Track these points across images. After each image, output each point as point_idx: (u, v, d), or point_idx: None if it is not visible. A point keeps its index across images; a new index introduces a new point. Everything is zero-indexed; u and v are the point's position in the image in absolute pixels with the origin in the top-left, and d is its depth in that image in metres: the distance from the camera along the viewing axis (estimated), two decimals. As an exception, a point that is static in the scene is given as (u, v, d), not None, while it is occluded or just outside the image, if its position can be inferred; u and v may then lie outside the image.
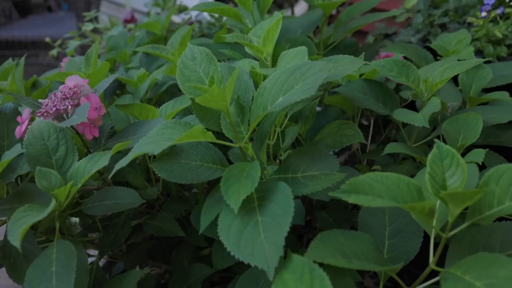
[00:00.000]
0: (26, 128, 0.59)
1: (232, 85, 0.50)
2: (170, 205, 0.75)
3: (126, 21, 1.54)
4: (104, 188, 0.62)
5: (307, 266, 0.45)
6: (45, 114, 0.58)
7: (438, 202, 0.50)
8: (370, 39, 1.16)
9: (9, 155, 0.53)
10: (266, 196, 0.51)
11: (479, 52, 0.93)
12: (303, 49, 0.59)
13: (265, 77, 0.61)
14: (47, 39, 1.28)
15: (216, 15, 1.47)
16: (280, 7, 1.65)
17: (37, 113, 0.58)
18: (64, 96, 0.59)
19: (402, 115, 0.63)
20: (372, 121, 0.86)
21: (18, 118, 0.60)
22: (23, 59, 0.87)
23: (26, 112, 0.60)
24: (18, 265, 0.56)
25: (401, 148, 0.64)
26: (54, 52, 1.28)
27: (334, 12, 1.57)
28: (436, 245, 0.51)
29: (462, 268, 0.46)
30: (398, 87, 0.85)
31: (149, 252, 0.84)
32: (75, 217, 0.82)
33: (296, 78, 0.53)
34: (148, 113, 0.67)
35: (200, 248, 0.80)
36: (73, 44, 1.23)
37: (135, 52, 1.07)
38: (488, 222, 0.47)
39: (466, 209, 0.47)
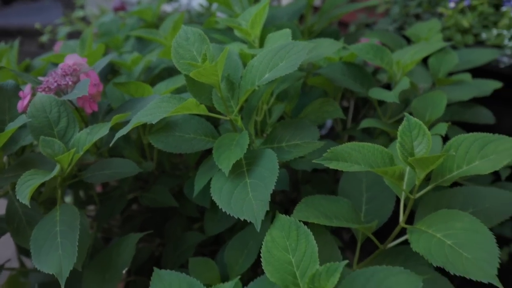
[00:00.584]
0: (28, 102, 0.63)
1: (223, 61, 0.55)
2: (164, 179, 0.80)
3: (116, 9, 1.57)
4: (102, 160, 0.66)
5: (293, 224, 0.51)
6: (46, 90, 0.63)
7: (408, 168, 0.56)
8: (352, 28, 1.22)
9: (12, 125, 0.57)
10: (254, 162, 0.57)
11: (449, 40, 1.00)
12: (287, 31, 0.64)
13: (253, 57, 0.66)
14: (37, 25, 1.30)
15: (206, 4, 1.51)
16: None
17: (38, 88, 0.63)
18: (64, 73, 0.63)
19: (376, 93, 0.70)
20: (352, 102, 0.92)
21: (20, 93, 0.64)
22: (17, 42, 0.91)
23: (27, 87, 0.64)
24: (21, 229, 0.60)
25: (376, 123, 0.70)
26: (44, 38, 1.31)
27: (319, 4, 1.62)
28: (406, 207, 0.57)
29: (426, 224, 0.52)
30: (376, 71, 0.91)
31: (143, 226, 0.89)
32: (71, 189, 0.86)
33: (281, 56, 0.58)
34: (143, 91, 0.72)
35: (192, 220, 0.85)
36: (64, 30, 1.26)
37: (126, 39, 1.11)
38: (448, 183, 0.53)
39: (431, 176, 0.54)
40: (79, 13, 1.29)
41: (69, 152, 0.54)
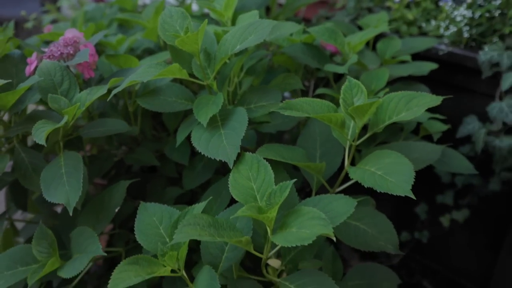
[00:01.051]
0: (35, 68, 0.73)
1: (202, 32, 0.67)
2: (146, 143, 0.91)
3: (97, 1, 1.66)
4: (97, 120, 0.77)
5: (255, 158, 0.64)
6: (51, 57, 0.73)
7: (349, 119, 0.69)
8: (314, 21, 1.37)
9: (23, 85, 0.68)
10: (227, 117, 0.69)
11: (396, 31, 1.16)
12: (255, 12, 0.78)
13: (226, 34, 0.78)
14: (23, 12, 1.39)
15: (180, -1, 1.63)
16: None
17: (44, 56, 0.73)
18: (66, 44, 0.74)
19: (330, 67, 0.84)
20: (312, 82, 1.06)
21: (28, 60, 0.74)
22: (12, 22, 1.00)
23: (34, 55, 0.74)
24: (28, 175, 0.70)
25: (328, 91, 0.84)
26: (29, 24, 1.39)
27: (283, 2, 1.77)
28: (350, 153, 0.71)
29: (363, 163, 0.66)
30: (332, 55, 1.06)
31: (128, 188, 0.99)
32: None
33: (250, 31, 0.71)
34: (131, 63, 0.83)
35: (171, 183, 0.97)
36: (48, 18, 1.35)
37: (109, 25, 1.21)
38: (381, 130, 0.67)
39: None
40: (64, 2, 1.38)
41: (74, 106, 0.65)
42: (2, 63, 0.75)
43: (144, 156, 0.87)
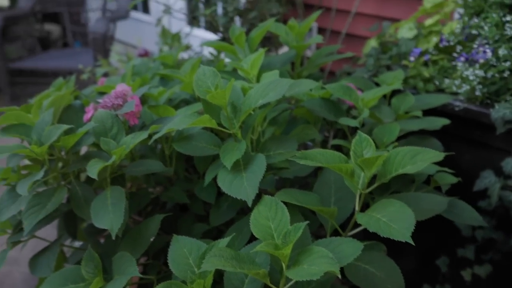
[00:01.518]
0: (91, 116, 0.87)
1: (229, 89, 0.79)
2: (179, 183, 1.02)
3: (141, 55, 1.86)
4: (138, 160, 0.89)
5: (274, 201, 0.73)
6: (104, 107, 0.87)
7: (359, 170, 0.78)
8: (337, 74, 1.48)
9: (82, 129, 0.81)
10: (249, 162, 0.80)
11: (414, 87, 1.25)
12: (276, 72, 0.90)
13: (250, 90, 0.90)
14: (80, 66, 1.58)
15: (215, 53, 1.80)
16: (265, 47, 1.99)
17: (99, 106, 0.87)
18: (116, 96, 0.88)
19: (344, 120, 0.93)
20: (331, 133, 1.16)
21: (86, 109, 0.88)
22: (73, 77, 1.17)
23: (91, 105, 0.88)
24: (80, 205, 0.83)
25: (343, 142, 0.93)
26: (85, 76, 1.58)
27: (310, 54, 1.91)
28: (360, 200, 0.79)
29: (371, 210, 0.74)
30: (349, 109, 1.15)
31: (161, 225, 1.10)
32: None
33: (270, 89, 0.82)
34: (169, 113, 0.96)
35: (199, 220, 1.07)
36: (101, 71, 1.54)
37: (152, 78, 1.37)
38: (387, 181, 0.75)
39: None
40: (114, 57, 1.57)
41: (121, 148, 0.77)
42: (66, 111, 0.90)
43: (177, 195, 0.98)
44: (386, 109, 1.10)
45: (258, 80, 0.96)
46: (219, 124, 0.85)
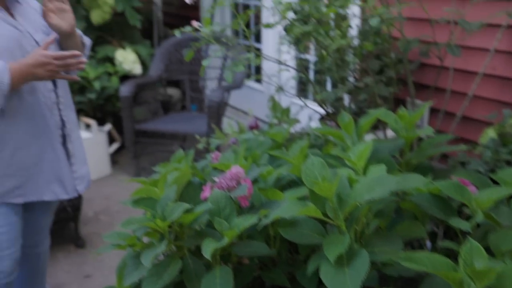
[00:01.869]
0: (208, 195, 0.96)
1: (336, 184, 0.82)
2: (281, 265, 1.06)
3: (252, 127, 1.99)
4: (246, 240, 0.95)
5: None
6: (219, 188, 0.96)
7: (470, 283, 0.74)
8: (450, 162, 1.43)
9: (200, 208, 0.90)
10: (352, 258, 0.81)
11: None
12: (383, 167, 0.91)
13: (357, 181, 0.92)
14: (197, 136, 1.75)
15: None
16: (374, 127, 1.99)
17: (216, 186, 0.96)
18: (231, 178, 0.97)
19: (455, 221, 0.90)
20: (441, 229, 1.11)
21: (204, 187, 0.98)
22: (192, 152, 1.30)
23: (208, 184, 0.98)
24: (191, 278, 0.90)
25: (452, 245, 0.89)
26: (200, 146, 1.74)
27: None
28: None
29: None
30: (462, 205, 1.10)
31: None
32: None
33: (378, 184, 0.84)
34: (277, 196, 1.02)
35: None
36: (215, 142, 1.68)
37: (262, 155, 1.46)
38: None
39: None
40: (229, 130, 1.71)
41: (233, 230, 0.84)
42: (186, 188, 1.01)
43: (279, 277, 1.01)
44: (506, 211, 1.02)
45: (364, 171, 0.98)
46: (324, 214, 0.88)
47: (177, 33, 1.42)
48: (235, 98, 3.47)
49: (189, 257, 0.93)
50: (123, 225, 0.93)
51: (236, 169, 1.00)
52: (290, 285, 1.02)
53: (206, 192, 0.97)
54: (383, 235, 0.87)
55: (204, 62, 1.32)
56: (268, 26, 1.37)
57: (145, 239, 1.03)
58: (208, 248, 0.81)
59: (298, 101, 2.53)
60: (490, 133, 1.35)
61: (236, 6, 3.70)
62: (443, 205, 0.97)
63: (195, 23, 1.30)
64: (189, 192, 1.01)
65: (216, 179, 1.00)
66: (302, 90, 3.08)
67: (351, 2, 1.43)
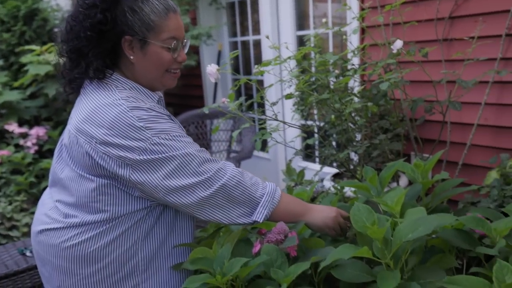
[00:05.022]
0: (258, 249, 1.09)
1: (385, 229, 0.96)
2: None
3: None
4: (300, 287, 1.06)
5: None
6: (269, 241, 1.09)
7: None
8: (460, 205, 1.57)
9: (253, 262, 1.02)
10: (404, 289, 0.92)
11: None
12: (422, 209, 1.05)
13: (395, 223, 1.05)
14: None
15: (338, 187, 2.00)
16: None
17: (265, 240, 1.09)
18: (279, 232, 1.10)
19: (482, 249, 1.03)
20: (464, 261, 1.23)
21: (254, 243, 1.11)
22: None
23: (258, 240, 1.11)
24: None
25: (480, 269, 1.01)
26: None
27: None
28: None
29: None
30: (481, 237, 1.23)
31: None
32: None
33: (420, 224, 0.97)
34: (319, 245, 1.14)
35: None
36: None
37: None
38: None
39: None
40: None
41: (289, 277, 0.96)
42: (237, 245, 1.13)
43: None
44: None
45: (401, 214, 1.11)
46: (373, 254, 0.99)
47: (205, 109, 1.59)
48: (245, 167, 3.63)
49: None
50: (187, 284, 1.04)
51: (281, 225, 1.13)
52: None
53: (257, 247, 1.09)
54: (426, 269, 0.99)
55: (234, 133, 1.49)
56: (290, 96, 1.57)
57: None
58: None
59: (304, 165, 2.68)
60: (493, 175, 1.51)
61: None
62: (467, 237, 1.10)
63: (224, 100, 1.49)
64: (240, 249, 1.13)
65: (264, 236, 1.13)
66: (307, 155, 3.27)
67: (358, 72, 1.65)
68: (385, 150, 1.77)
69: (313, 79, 1.69)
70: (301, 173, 2.25)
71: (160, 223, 1.22)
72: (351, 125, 1.74)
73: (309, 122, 2.57)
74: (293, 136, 2.16)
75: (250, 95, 4.07)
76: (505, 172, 1.49)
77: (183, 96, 4.35)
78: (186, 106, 4.09)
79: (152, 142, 1.10)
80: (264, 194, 1.18)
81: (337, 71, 1.72)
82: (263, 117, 1.59)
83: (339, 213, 1.25)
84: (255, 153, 4.06)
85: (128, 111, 1.11)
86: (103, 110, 1.12)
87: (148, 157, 1.10)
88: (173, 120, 1.22)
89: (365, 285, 1.03)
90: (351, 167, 2.01)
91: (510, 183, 1.43)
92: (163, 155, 1.10)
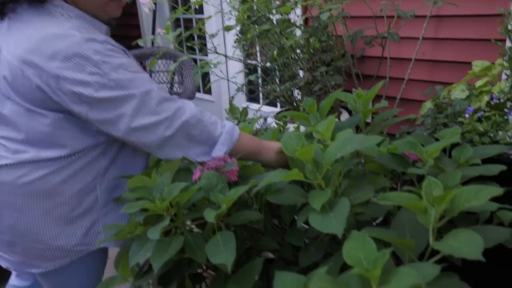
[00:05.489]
0: (198, 176, 1.07)
1: (314, 146, 0.97)
2: (269, 232, 1.18)
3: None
4: (239, 212, 1.07)
5: (361, 235, 0.86)
6: (209, 168, 1.07)
7: (430, 207, 0.90)
8: (397, 135, 1.63)
9: (194, 187, 1.00)
10: (333, 205, 0.94)
11: (470, 141, 1.37)
12: (350, 130, 1.07)
13: (328, 146, 1.07)
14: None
15: (281, 123, 2.01)
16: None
17: (205, 167, 1.07)
18: (219, 159, 1.08)
19: (412, 170, 1.07)
20: (399, 184, 1.29)
21: (194, 170, 1.09)
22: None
23: (198, 167, 1.09)
24: (193, 249, 1.00)
25: (411, 188, 1.06)
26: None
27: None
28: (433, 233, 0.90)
29: (445, 239, 0.86)
30: (414, 162, 1.29)
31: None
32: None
33: (347, 143, 0.99)
34: (259, 171, 1.14)
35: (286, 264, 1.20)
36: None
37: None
38: (456, 214, 0.87)
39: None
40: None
41: (229, 198, 0.95)
42: (177, 174, 1.10)
43: (269, 243, 1.13)
44: (447, 160, 1.22)
45: (332, 140, 1.13)
46: (305, 177, 1.01)
47: (140, 42, 1.51)
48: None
49: (188, 233, 1.02)
50: (125, 209, 1.02)
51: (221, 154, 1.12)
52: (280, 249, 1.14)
53: (197, 174, 1.08)
54: (356, 186, 1.01)
55: (173, 66, 1.42)
56: (229, 28, 1.51)
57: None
58: (211, 214, 0.91)
59: (249, 105, 2.66)
60: (427, 105, 1.56)
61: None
62: (401, 161, 1.14)
63: (160, 30, 1.41)
64: (180, 177, 1.11)
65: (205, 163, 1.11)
66: (251, 94, 3.25)
67: (299, 2, 1.61)
68: (327, 84, 1.78)
69: (255, 8, 1.63)
70: (244, 111, 2.23)
71: (120, 158, 1.19)
72: (292, 60, 1.72)
73: (253, 62, 2.52)
74: (236, 74, 2.11)
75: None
76: (439, 102, 1.55)
77: (120, 37, 4.11)
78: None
79: (109, 78, 1.02)
80: (223, 132, 1.16)
81: (277, 2, 1.67)
82: (204, 57, 1.53)
83: None
84: (199, 95, 3.97)
85: (83, 42, 1.01)
86: (53, 40, 1.01)
87: (106, 94, 1.02)
88: (128, 55, 1.14)
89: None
90: (295, 105, 2.02)
91: (442, 112, 1.49)
92: (122, 92, 1.04)
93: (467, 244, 0.80)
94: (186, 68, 3.26)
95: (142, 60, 3.49)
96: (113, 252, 1.25)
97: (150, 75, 3.67)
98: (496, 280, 1.41)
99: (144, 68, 3.65)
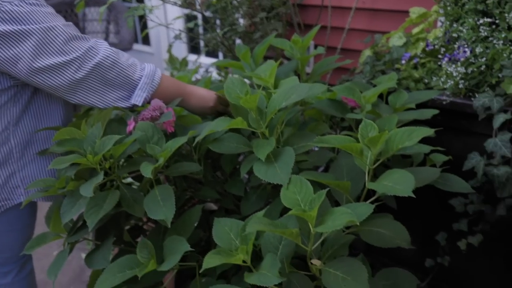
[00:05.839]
0: (133, 127, 1.01)
1: (258, 95, 0.94)
2: (209, 183, 1.16)
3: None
4: (177, 163, 1.03)
5: (299, 178, 0.86)
6: (144, 119, 1.01)
7: (366, 149, 0.91)
8: (337, 84, 1.64)
9: (129, 139, 0.95)
10: (278, 155, 0.93)
11: (406, 88, 1.41)
12: (295, 78, 1.05)
13: (270, 95, 1.05)
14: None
15: (223, 74, 1.96)
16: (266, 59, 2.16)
17: (139, 118, 1.01)
18: (154, 109, 1.03)
19: (351, 115, 1.08)
20: (338, 131, 1.31)
21: (128, 121, 1.02)
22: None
23: (132, 118, 1.02)
24: (131, 204, 0.96)
25: (350, 133, 1.08)
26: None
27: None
28: (368, 175, 0.92)
29: (379, 179, 0.88)
30: (353, 108, 1.30)
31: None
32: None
33: (293, 92, 0.97)
34: (196, 121, 1.10)
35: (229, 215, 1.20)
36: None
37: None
38: (390, 156, 0.89)
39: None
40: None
41: (167, 150, 0.91)
42: (109, 125, 1.04)
43: (209, 193, 1.11)
44: (384, 106, 1.25)
45: (274, 87, 1.10)
46: (249, 125, 0.99)
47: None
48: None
49: (124, 187, 0.98)
50: (53, 165, 0.95)
51: (156, 102, 1.06)
52: (221, 198, 1.13)
53: (131, 125, 1.02)
54: (298, 135, 1.01)
55: (102, 8, 1.31)
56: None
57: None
58: (147, 169, 0.87)
59: (190, 56, 2.55)
60: (367, 53, 1.57)
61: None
62: (340, 107, 1.15)
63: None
64: (113, 128, 1.05)
65: (139, 113, 1.05)
66: (191, 42, 3.13)
67: None
68: (267, 31, 1.73)
69: None
70: (184, 61, 2.15)
71: (32, 106, 1.08)
72: (230, 7, 1.65)
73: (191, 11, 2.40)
74: (173, 20, 2.00)
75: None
76: (378, 50, 1.56)
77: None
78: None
79: (3, 9, 0.90)
80: (142, 76, 1.07)
81: None
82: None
83: (219, 99, 1.18)
84: (137, 46, 3.78)
85: None
86: None
87: (0, 28, 0.90)
88: None
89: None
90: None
91: (380, 59, 1.51)
92: (19, 27, 0.91)
93: (400, 183, 0.82)
94: (122, 16, 3.06)
95: (72, 8, 3.23)
96: (43, 205, 1.18)
97: (82, 24, 3.42)
98: (428, 223, 1.50)
99: (76, 17, 3.39)
